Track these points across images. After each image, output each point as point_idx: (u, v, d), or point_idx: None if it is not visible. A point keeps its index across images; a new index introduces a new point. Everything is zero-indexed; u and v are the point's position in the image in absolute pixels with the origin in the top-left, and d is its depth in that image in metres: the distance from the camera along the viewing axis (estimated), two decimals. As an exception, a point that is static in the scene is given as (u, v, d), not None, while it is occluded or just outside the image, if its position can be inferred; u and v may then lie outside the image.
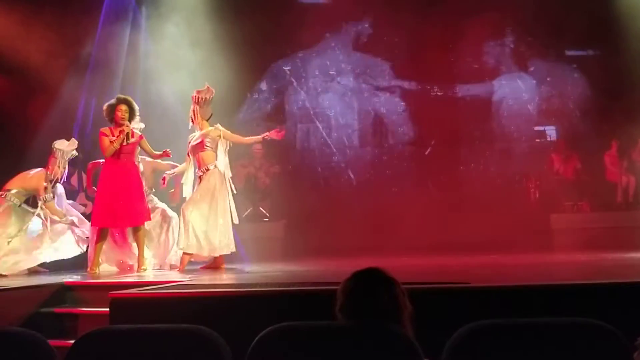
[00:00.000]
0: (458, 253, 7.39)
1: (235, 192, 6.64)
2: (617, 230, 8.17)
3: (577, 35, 9.33)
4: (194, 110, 6.60)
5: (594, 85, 9.58)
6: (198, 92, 6.61)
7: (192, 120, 6.63)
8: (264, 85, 10.43)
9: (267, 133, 6.79)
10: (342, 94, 10.58)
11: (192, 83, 8.30)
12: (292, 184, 9.88)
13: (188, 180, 6.68)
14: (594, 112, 9.59)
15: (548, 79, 10.11)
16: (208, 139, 6.54)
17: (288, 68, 10.53)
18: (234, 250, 6.55)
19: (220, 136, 6.57)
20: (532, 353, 1.88)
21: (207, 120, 6.62)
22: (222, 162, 6.62)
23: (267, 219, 9.22)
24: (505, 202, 9.00)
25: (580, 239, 8.14)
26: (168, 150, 6.71)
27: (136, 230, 6.49)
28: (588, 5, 9.20)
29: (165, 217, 6.90)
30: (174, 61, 8.63)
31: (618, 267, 5.75)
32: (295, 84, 10.57)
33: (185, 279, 5.54)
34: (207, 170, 6.51)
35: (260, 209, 9.28)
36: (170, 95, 8.45)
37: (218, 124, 6.64)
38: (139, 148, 6.57)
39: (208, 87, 6.62)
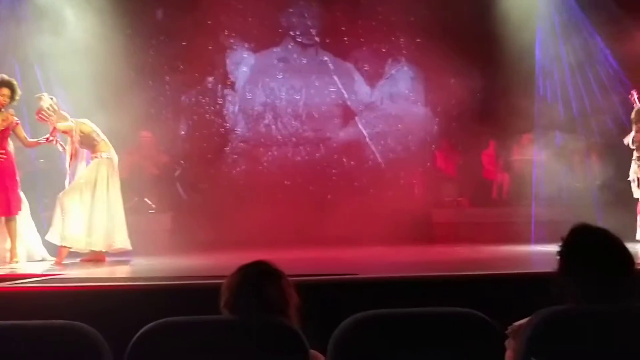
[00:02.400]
0: (346, 246, 7.54)
1: None
2: (492, 225, 8.67)
3: (458, 40, 9.78)
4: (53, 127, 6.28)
5: (474, 88, 10.07)
6: (39, 109, 6.28)
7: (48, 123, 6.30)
8: (155, 72, 10.09)
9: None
10: (236, 83, 10.46)
11: (80, 67, 7.89)
12: (181, 175, 9.64)
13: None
14: (473, 113, 10.10)
15: (431, 81, 10.51)
16: (76, 136, 6.28)
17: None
18: (129, 248, 6.34)
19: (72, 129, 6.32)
20: (414, 342, 1.95)
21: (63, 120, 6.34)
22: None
23: (153, 211, 8.93)
24: (391, 196, 9.29)
25: (459, 232, 8.58)
26: (49, 138, 6.32)
27: (8, 220, 6.08)
28: (467, 10, 9.69)
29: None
30: (64, 44, 8.13)
31: (494, 260, 6.11)
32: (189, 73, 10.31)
33: (63, 272, 5.27)
34: (96, 157, 6.31)
35: (146, 200, 8.98)
36: (55, 81, 7.96)
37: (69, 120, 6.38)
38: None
39: (42, 96, 6.33)
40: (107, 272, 5.59)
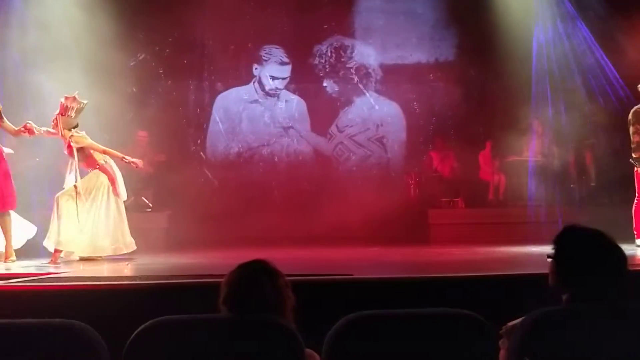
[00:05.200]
0: (342, 246, 7.56)
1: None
2: (488, 226, 8.68)
3: (459, 38, 9.80)
4: (56, 118, 6.23)
5: (471, 88, 10.10)
6: (66, 98, 6.23)
7: (54, 128, 6.27)
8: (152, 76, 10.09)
9: (131, 160, 6.54)
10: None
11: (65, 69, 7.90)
12: (177, 174, 9.64)
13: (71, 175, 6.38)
14: (470, 115, 10.13)
15: (429, 80, 10.53)
16: (74, 143, 6.25)
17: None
18: (134, 248, 6.42)
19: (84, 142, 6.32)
20: (408, 342, 1.96)
21: (70, 129, 6.28)
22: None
23: (149, 209, 8.93)
24: (387, 197, 9.29)
25: (454, 233, 8.58)
26: (28, 124, 6.24)
27: (2, 216, 6.02)
28: (462, 14, 9.73)
29: None
30: (50, 47, 8.13)
31: (488, 261, 6.11)
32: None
33: (59, 271, 5.26)
34: (97, 167, 6.36)
35: (143, 198, 8.97)
36: (44, 82, 7.96)
37: (83, 132, 6.37)
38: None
39: (75, 97, 6.25)
40: (103, 271, 5.58)
